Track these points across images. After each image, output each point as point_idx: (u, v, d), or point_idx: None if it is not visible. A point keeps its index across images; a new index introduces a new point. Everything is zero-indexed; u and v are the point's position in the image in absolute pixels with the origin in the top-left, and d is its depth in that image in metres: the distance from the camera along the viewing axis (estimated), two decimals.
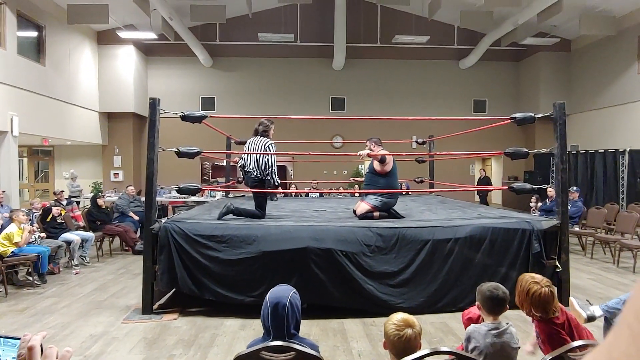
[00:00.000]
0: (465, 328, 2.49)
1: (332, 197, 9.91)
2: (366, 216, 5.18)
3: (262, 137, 5.14)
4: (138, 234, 8.28)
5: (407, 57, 14.33)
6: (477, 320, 2.52)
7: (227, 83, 14.29)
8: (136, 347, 3.77)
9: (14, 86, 9.14)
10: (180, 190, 4.86)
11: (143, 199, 5.79)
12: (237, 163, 5.84)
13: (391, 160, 5.29)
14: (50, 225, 6.81)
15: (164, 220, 4.75)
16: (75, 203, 9.39)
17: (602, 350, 0.37)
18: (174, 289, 4.85)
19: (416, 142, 8.92)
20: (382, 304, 4.35)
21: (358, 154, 5.38)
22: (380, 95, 14.37)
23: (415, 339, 1.93)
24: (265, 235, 4.49)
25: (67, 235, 6.76)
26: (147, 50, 13.92)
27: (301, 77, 14.36)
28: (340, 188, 11.95)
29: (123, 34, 11.83)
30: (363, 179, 6.56)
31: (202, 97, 14.24)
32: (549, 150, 4.93)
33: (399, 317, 1.99)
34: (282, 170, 13.48)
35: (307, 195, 10.30)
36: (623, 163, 10.62)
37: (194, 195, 5.46)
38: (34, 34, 10.33)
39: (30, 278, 5.71)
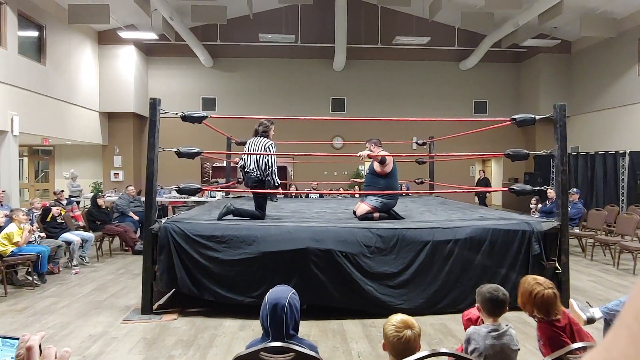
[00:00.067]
0: (465, 329, 2.49)
1: (332, 197, 9.91)
2: (366, 217, 5.18)
3: (262, 138, 5.14)
4: (138, 234, 8.28)
5: (408, 58, 14.34)
6: (476, 321, 2.52)
7: (227, 83, 14.30)
8: (135, 347, 3.77)
9: (14, 86, 9.15)
10: (180, 191, 4.86)
11: (143, 199, 5.79)
12: (237, 163, 5.85)
13: (391, 161, 5.29)
14: (50, 225, 6.81)
15: (163, 220, 4.75)
16: (75, 203, 9.39)
17: (601, 350, 0.37)
18: (174, 289, 4.85)
19: (416, 143, 8.92)
20: (382, 305, 4.35)
21: (358, 154, 5.38)
22: (381, 96, 14.38)
23: (415, 340, 1.93)
24: (265, 235, 4.48)
25: (67, 235, 6.76)
26: (147, 50, 13.93)
27: (302, 78, 14.37)
28: (340, 189, 11.95)
29: (124, 34, 11.84)
30: (363, 180, 6.56)
31: (202, 98, 14.25)
32: (549, 151, 4.93)
33: (398, 318, 1.99)
34: (282, 170, 13.48)
35: (307, 196, 10.30)
36: (623, 165, 10.61)
37: (194, 195, 5.46)
38: (34, 33, 10.34)
39: (30, 278, 5.70)
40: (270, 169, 5.02)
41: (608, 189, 10.96)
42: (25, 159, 13.69)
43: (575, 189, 8.43)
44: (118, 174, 13.46)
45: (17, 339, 0.84)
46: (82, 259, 6.93)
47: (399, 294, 4.45)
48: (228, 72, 14.31)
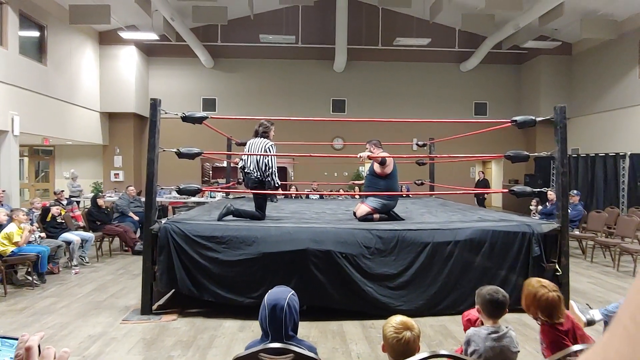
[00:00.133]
0: (465, 329, 2.48)
1: (332, 198, 9.91)
2: (366, 218, 5.18)
3: (262, 139, 5.14)
4: (138, 235, 8.28)
5: (408, 59, 14.35)
6: (475, 321, 2.52)
7: (228, 84, 14.31)
8: (135, 347, 3.77)
9: (15, 86, 9.16)
10: (180, 191, 4.86)
11: (143, 199, 5.79)
12: (237, 164, 5.84)
13: (391, 162, 5.29)
14: (50, 225, 6.82)
15: (163, 220, 4.75)
16: (75, 203, 9.39)
17: (597, 350, 0.37)
18: (173, 290, 4.85)
19: (417, 144, 8.92)
20: (382, 306, 4.35)
21: (358, 155, 5.38)
22: (381, 97, 14.38)
23: (414, 341, 1.93)
24: (265, 236, 4.48)
25: (66, 235, 6.76)
26: (148, 50, 13.94)
27: (302, 79, 14.37)
28: (341, 190, 11.95)
29: (125, 35, 11.85)
30: (362, 182, 6.56)
31: (203, 98, 14.26)
32: (549, 153, 4.93)
33: (397, 319, 1.98)
34: (282, 171, 13.48)
35: (307, 196, 10.30)
36: (623, 167, 10.61)
37: (194, 196, 5.46)
38: (35, 33, 10.35)
39: (30, 278, 5.70)
40: (270, 170, 5.02)
41: (608, 190, 10.96)
42: (26, 159, 13.69)
43: (575, 191, 8.43)
44: (118, 174, 13.46)
45: (17, 339, 0.84)
46: (82, 259, 6.93)
47: (398, 295, 4.45)
48: (229, 72, 14.32)
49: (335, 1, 10.97)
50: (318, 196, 10.20)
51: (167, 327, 4.24)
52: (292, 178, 14.00)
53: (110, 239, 7.90)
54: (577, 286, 5.51)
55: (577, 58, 13.60)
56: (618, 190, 10.73)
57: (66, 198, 9.11)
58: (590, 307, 3.01)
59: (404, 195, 8.78)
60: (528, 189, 5.10)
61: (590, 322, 2.86)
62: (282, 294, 2.08)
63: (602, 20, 11.09)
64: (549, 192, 7.61)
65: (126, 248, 7.98)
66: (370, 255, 4.46)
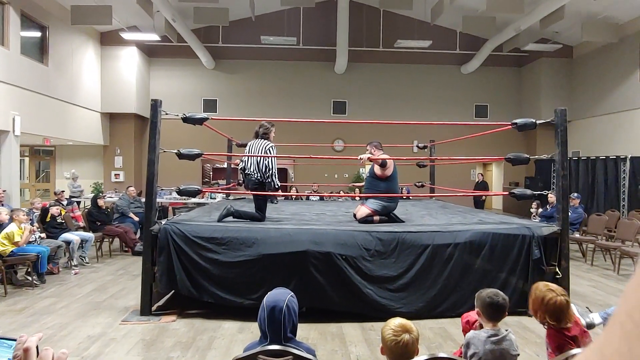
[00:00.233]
0: (464, 331, 2.48)
1: (332, 200, 9.91)
2: (366, 220, 5.18)
3: (262, 140, 5.15)
4: (138, 235, 8.28)
5: (409, 61, 14.36)
6: (473, 323, 2.51)
7: (229, 85, 14.32)
8: (134, 348, 3.77)
9: (16, 86, 9.17)
10: (180, 192, 4.86)
11: (143, 200, 5.79)
12: (237, 165, 5.85)
13: (392, 164, 5.29)
14: (50, 225, 6.82)
15: (163, 221, 4.75)
16: (75, 203, 9.39)
17: (595, 349, 0.37)
18: (173, 291, 4.85)
19: (417, 146, 8.93)
20: (381, 308, 4.34)
21: (359, 157, 5.38)
22: (382, 99, 14.39)
23: (413, 344, 1.93)
24: (265, 238, 4.48)
25: (66, 236, 6.76)
26: (149, 51, 13.96)
27: (303, 80, 14.38)
28: (341, 191, 11.95)
29: (126, 35, 11.87)
30: (362, 184, 6.56)
31: (203, 99, 14.27)
32: (550, 156, 4.93)
33: (396, 322, 1.98)
34: (282, 173, 13.48)
35: (307, 198, 10.30)
36: (624, 170, 10.60)
37: (194, 197, 5.47)
38: (37, 34, 10.37)
39: (30, 278, 5.70)
40: (270, 171, 5.02)
41: (609, 194, 10.95)
42: (27, 159, 13.70)
43: (575, 194, 8.42)
44: (119, 174, 13.47)
45: (15, 339, 0.84)
46: (82, 260, 6.93)
47: (398, 297, 4.44)
48: (229, 73, 14.33)
49: (336, 3, 10.98)
50: (318, 198, 10.21)
51: (167, 328, 4.23)
52: (293, 179, 14.00)
53: (110, 239, 7.90)
54: (577, 289, 5.50)
55: (578, 61, 13.60)
56: (618, 194, 10.72)
57: (66, 198, 9.11)
58: (590, 311, 3.01)
59: (404, 197, 8.78)
60: (528, 191, 5.10)
61: (590, 326, 2.86)
62: (281, 295, 2.08)
63: (603, 24, 11.10)
64: (550, 195, 7.61)
65: (126, 249, 7.98)
66: (370, 257, 4.46)
